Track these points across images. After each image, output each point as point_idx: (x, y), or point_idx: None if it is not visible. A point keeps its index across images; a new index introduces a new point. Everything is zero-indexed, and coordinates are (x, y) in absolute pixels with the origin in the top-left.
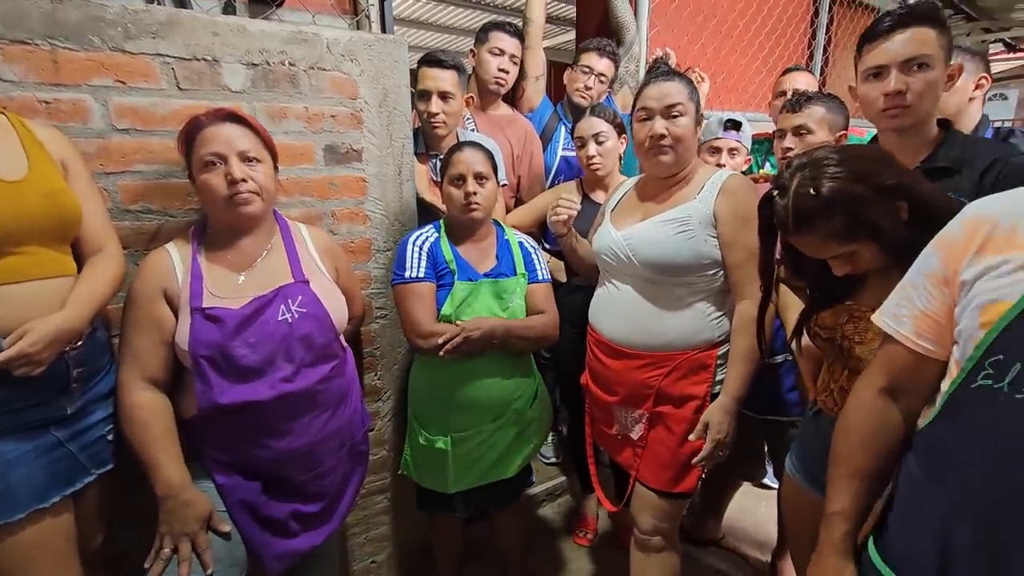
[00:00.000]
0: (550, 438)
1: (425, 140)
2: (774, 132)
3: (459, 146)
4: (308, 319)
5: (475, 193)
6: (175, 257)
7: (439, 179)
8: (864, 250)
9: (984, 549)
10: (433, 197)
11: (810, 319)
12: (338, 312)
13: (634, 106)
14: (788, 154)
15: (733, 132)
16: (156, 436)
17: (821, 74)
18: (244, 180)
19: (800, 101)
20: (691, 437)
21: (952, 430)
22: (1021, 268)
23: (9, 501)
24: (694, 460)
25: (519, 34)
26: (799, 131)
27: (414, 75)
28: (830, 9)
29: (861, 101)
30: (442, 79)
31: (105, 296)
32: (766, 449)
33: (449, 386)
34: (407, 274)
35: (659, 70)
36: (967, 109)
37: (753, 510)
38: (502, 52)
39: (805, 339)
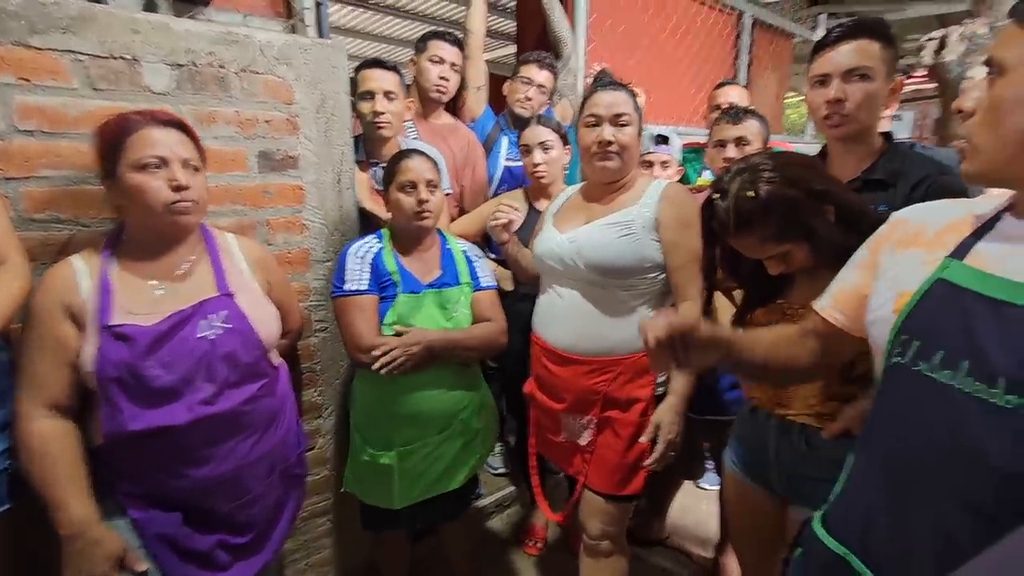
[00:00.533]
0: (497, 448)
1: (366, 147)
2: (711, 142)
3: (407, 153)
4: (232, 335)
5: (428, 200)
6: (79, 270)
7: (380, 187)
8: (797, 250)
9: (894, 509)
10: (374, 206)
11: (745, 318)
12: (268, 327)
13: (581, 112)
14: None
15: (663, 146)
16: (60, 470)
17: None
18: (187, 188)
19: (739, 114)
20: (643, 439)
21: (876, 406)
22: (923, 263)
23: None
24: (647, 462)
25: (459, 43)
26: (740, 142)
27: (352, 83)
28: (751, 32)
29: (809, 107)
30: (384, 79)
31: (6, 314)
32: (706, 448)
33: (393, 399)
34: (347, 286)
35: (604, 80)
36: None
37: (694, 508)
38: (442, 60)
39: None
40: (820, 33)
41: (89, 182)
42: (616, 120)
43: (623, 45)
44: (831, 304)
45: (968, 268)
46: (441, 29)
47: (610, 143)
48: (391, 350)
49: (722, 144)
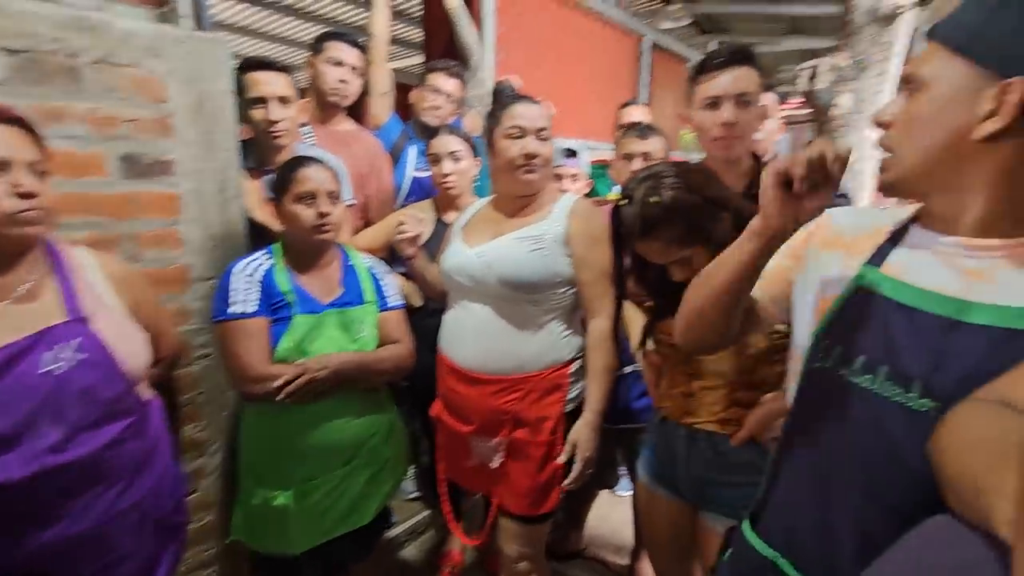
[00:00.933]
0: (410, 471)
1: (258, 153)
2: (619, 155)
3: (302, 161)
4: (89, 368)
5: (329, 213)
6: None
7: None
8: (699, 255)
9: (819, 510)
10: (267, 217)
11: (654, 327)
12: (134, 356)
13: (498, 123)
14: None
15: (571, 159)
16: None
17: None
18: (36, 195)
19: (646, 130)
20: (560, 459)
21: (799, 409)
22: (843, 267)
23: None
24: (565, 483)
25: (358, 45)
26: (646, 156)
27: (238, 85)
28: (651, 55)
29: (697, 128)
30: (276, 83)
31: None
32: (619, 457)
33: (290, 432)
34: (232, 309)
35: (507, 92)
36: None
37: (609, 516)
38: (341, 63)
39: (648, 347)
40: None
41: None
42: (539, 134)
43: (531, 59)
44: (760, 288)
45: (883, 276)
46: (339, 30)
47: (535, 156)
48: (298, 376)
49: (629, 157)
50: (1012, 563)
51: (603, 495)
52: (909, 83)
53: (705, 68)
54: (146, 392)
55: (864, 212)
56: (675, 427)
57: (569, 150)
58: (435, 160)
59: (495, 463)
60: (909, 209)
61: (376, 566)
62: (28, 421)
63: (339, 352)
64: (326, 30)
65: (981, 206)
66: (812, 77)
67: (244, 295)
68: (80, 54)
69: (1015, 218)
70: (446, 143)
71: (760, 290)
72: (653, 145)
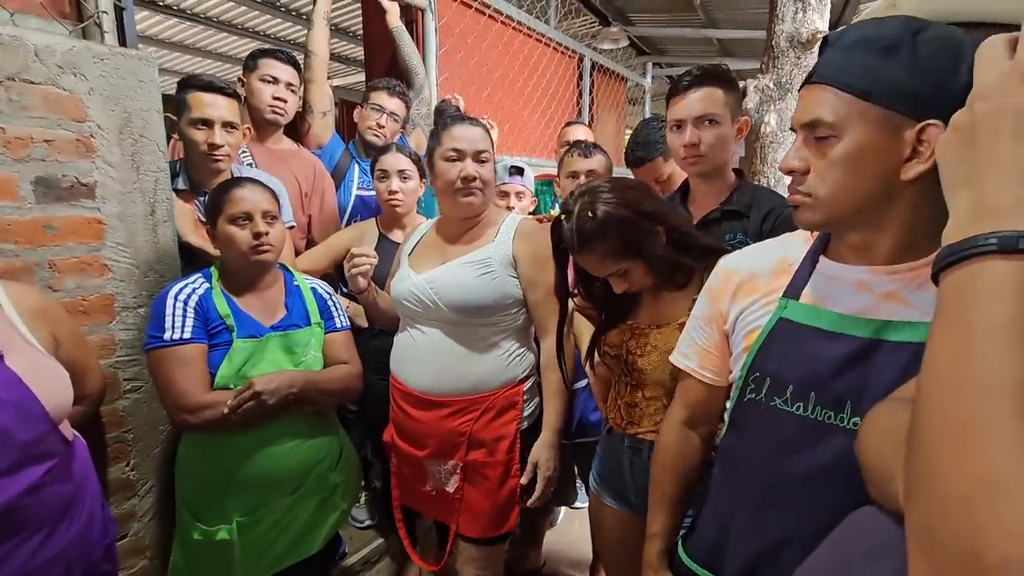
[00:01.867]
0: (363, 497)
1: (190, 174)
2: (563, 173)
3: (236, 182)
4: (3, 408)
5: (266, 233)
6: None
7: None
8: (635, 268)
9: (754, 530)
10: (201, 241)
11: (599, 340)
12: (55, 394)
13: (437, 144)
14: None
15: (518, 177)
16: None
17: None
18: None
19: (590, 148)
20: (523, 480)
21: (736, 437)
22: (764, 305)
23: None
24: (529, 502)
25: (293, 62)
26: (591, 173)
27: (172, 102)
28: (591, 75)
29: (670, 148)
30: (224, 108)
31: None
32: (576, 471)
33: (231, 462)
34: (167, 335)
35: (450, 112)
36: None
37: (567, 530)
38: (276, 80)
39: (596, 360)
40: (648, 79)
41: None
42: (478, 156)
43: (475, 78)
44: (699, 364)
45: (802, 306)
46: (273, 47)
47: (474, 179)
48: (244, 395)
49: (575, 175)
50: (906, 533)
51: (561, 510)
52: (814, 128)
53: (671, 92)
54: (69, 432)
55: (758, 250)
56: (620, 438)
57: (515, 167)
58: (383, 177)
59: (451, 487)
60: (799, 240)
61: None
62: None
63: (287, 371)
64: (259, 47)
65: (893, 237)
66: (741, 97)
67: (179, 321)
68: None
69: (917, 245)
70: (396, 161)
71: (704, 369)
72: (597, 163)
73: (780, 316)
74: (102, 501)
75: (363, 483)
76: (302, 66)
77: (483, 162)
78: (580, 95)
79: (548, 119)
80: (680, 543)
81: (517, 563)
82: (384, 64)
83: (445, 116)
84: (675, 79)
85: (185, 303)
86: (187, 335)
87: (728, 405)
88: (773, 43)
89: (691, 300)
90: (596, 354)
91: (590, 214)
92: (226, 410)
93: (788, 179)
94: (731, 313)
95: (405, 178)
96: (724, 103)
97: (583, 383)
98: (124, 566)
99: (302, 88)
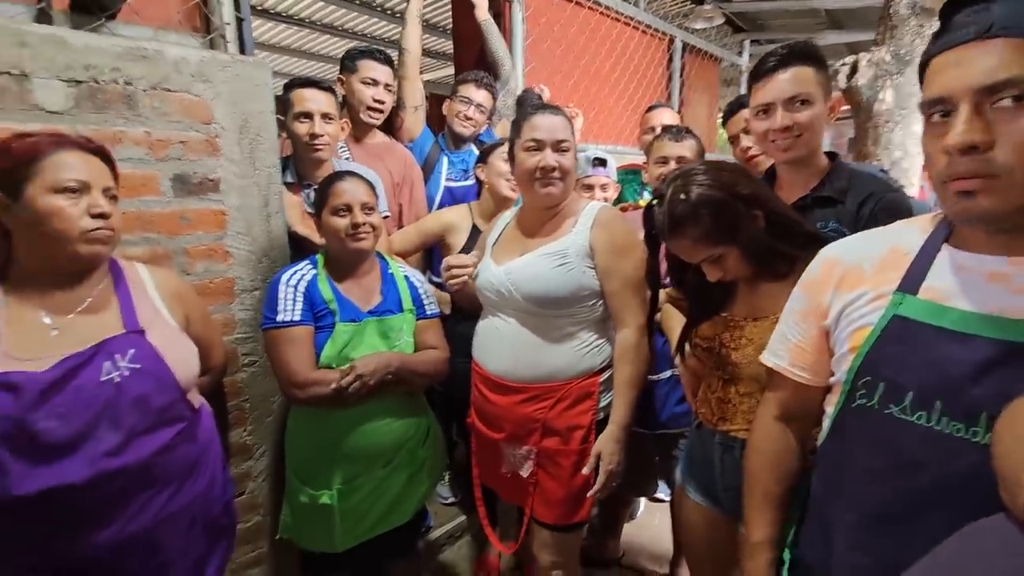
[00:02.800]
0: (447, 476)
1: (298, 169)
2: (652, 159)
3: (339, 175)
4: (143, 377)
5: (364, 223)
6: None
7: (313, 211)
8: (730, 254)
9: (861, 550)
10: (307, 230)
11: (691, 332)
12: (186, 366)
13: (516, 134)
14: None
15: (601, 168)
16: None
17: (678, 112)
18: (108, 216)
19: (681, 133)
20: (584, 470)
21: (840, 446)
22: (875, 299)
23: None
24: (589, 493)
25: (389, 61)
26: (681, 160)
27: (282, 102)
28: (682, 56)
29: (754, 135)
30: (322, 101)
31: None
32: (657, 463)
33: (333, 435)
34: (279, 317)
35: (532, 101)
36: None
37: (648, 524)
38: (376, 82)
39: (686, 352)
40: (746, 58)
41: None
42: (558, 145)
43: (560, 67)
44: (790, 363)
45: (921, 302)
46: (370, 47)
47: (553, 168)
48: (351, 375)
49: (664, 161)
50: None
51: (642, 502)
52: (1000, 90)
53: (755, 75)
54: (197, 399)
55: (863, 239)
56: (710, 434)
57: (599, 158)
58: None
59: (525, 471)
60: (914, 228)
61: (415, 568)
62: (89, 428)
63: (385, 352)
64: (355, 47)
65: None
66: (852, 73)
67: (290, 304)
68: (136, 82)
69: None
70: (503, 151)
71: (796, 368)
72: (688, 148)
73: (895, 313)
74: (223, 463)
75: (447, 462)
76: (396, 63)
77: (563, 151)
78: (670, 78)
79: (636, 105)
80: (787, 555)
81: (595, 552)
82: (472, 57)
83: (526, 106)
84: (759, 60)
85: (295, 288)
86: (297, 317)
87: (830, 410)
88: (891, 11)
89: None
90: (686, 346)
91: (683, 196)
92: (332, 389)
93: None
94: (833, 308)
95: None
96: (816, 82)
97: (667, 373)
98: (241, 520)
99: (397, 85)
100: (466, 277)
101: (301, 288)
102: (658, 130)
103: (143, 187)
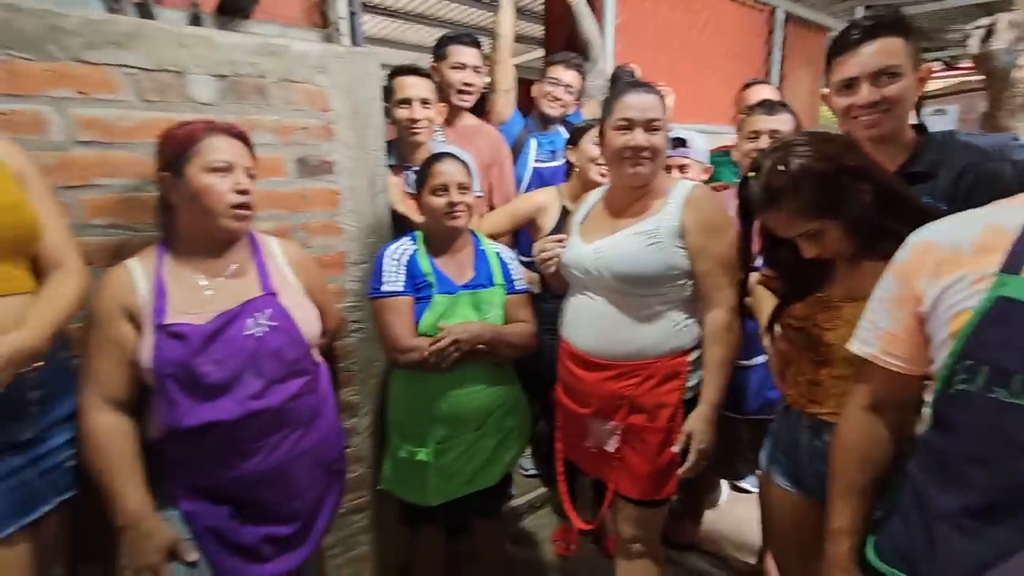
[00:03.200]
0: (529, 449)
1: (398, 151)
2: (744, 133)
3: (438, 157)
4: (278, 333)
5: (459, 202)
6: (136, 273)
7: (412, 191)
8: (830, 229)
9: (972, 539)
10: (407, 209)
11: (783, 311)
12: (309, 326)
13: (609, 113)
14: None
15: (680, 149)
16: (117, 462)
17: (777, 89)
18: (248, 193)
19: (774, 106)
20: (674, 448)
21: (942, 433)
22: (975, 282)
23: None
24: (679, 471)
25: (476, 43)
26: (774, 134)
27: (386, 90)
28: (784, 28)
29: (835, 111)
30: (420, 86)
31: (65, 314)
32: (746, 450)
33: (430, 398)
34: (384, 287)
35: (625, 80)
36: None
37: (731, 512)
38: (464, 66)
39: (776, 333)
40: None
41: (141, 189)
42: (649, 125)
43: (651, 45)
44: (882, 351)
45: None
46: (459, 33)
47: (644, 148)
48: (443, 340)
49: (755, 136)
50: None
51: (728, 491)
52: None
53: (838, 47)
54: (317, 357)
55: (957, 220)
56: (799, 416)
57: (676, 138)
58: (629, 125)
59: (611, 447)
60: (1016, 205)
61: (498, 531)
62: (238, 373)
63: (477, 322)
64: (446, 34)
65: None
66: (987, 36)
67: (393, 276)
68: (268, 75)
69: None
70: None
71: (888, 356)
72: (782, 122)
73: (998, 295)
74: (337, 415)
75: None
76: (489, 47)
77: (654, 131)
78: (769, 52)
79: (731, 82)
80: (869, 543)
81: (674, 533)
82: (562, 38)
83: (619, 84)
84: (840, 33)
85: (398, 261)
86: (399, 288)
87: (929, 398)
88: None
89: None
90: (776, 327)
91: (781, 167)
92: (429, 351)
93: None
94: (928, 294)
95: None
96: (905, 53)
97: (760, 358)
98: (348, 471)
99: (488, 67)
100: (558, 259)
101: (403, 261)
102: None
103: (272, 169)
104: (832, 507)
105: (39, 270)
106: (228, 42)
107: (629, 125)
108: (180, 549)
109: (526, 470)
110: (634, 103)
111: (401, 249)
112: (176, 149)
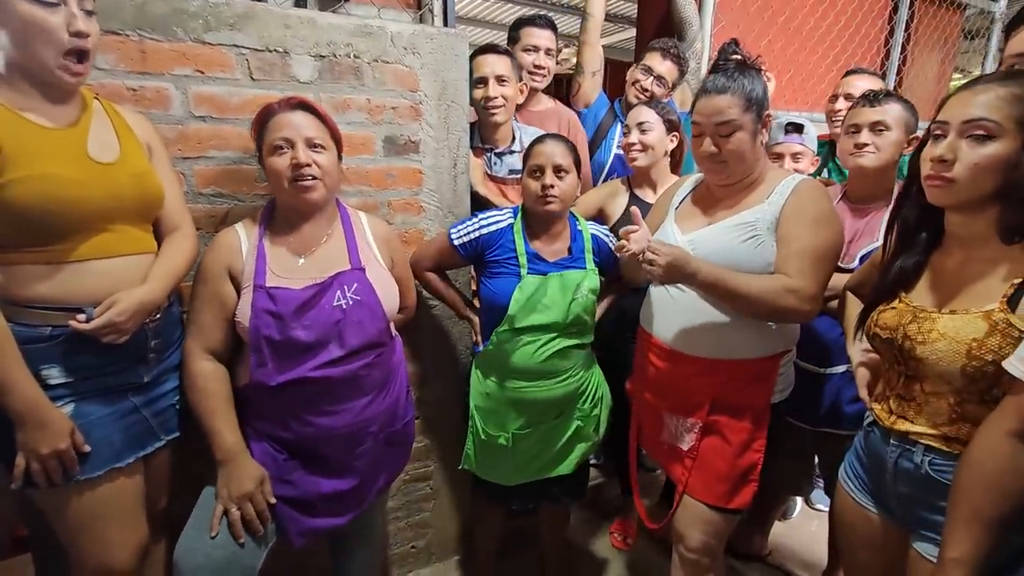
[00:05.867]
0: None
1: (480, 133)
2: (844, 128)
3: (541, 138)
4: (361, 307)
5: (552, 186)
6: (242, 237)
7: (493, 173)
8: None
9: None
10: (487, 191)
11: (868, 317)
12: (390, 301)
13: (692, 110)
14: (864, 149)
15: (796, 135)
16: (217, 404)
17: (898, 74)
18: (308, 165)
19: (878, 96)
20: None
21: None
22: None
23: (92, 458)
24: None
25: (551, 25)
26: (876, 127)
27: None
28: (911, 5)
29: None
30: (496, 64)
31: (181, 273)
32: (817, 465)
33: (511, 388)
34: (453, 232)
35: (725, 65)
36: None
37: (801, 528)
38: (536, 48)
39: (864, 346)
40: (1003, 3)
41: (245, 162)
42: (718, 130)
43: (754, 24)
44: None
45: None
46: (534, 15)
47: (712, 155)
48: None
49: (856, 129)
50: None
51: (798, 504)
52: None
53: (1016, 21)
54: (393, 331)
55: None
56: (886, 434)
57: (792, 124)
58: (626, 131)
59: (686, 444)
60: None
61: (564, 519)
62: (324, 340)
63: (559, 311)
64: (521, 16)
65: None
66: None
67: (465, 233)
68: (363, 55)
69: None
70: (637, 114)
71: None
72: (887, 113)
73: None
74: (407, 388)
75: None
76: (579, 28)
77: (727, 135)
78: (891, 32)
79: (844, 65)
80: None
81: (741, 543)
82: (656, 18)
83: (720, 60)
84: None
85: (482, 227)
86: (460, 243)
87: None
88: None
89: (1010, 286)
90: (861, 334)
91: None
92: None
93: None
94: None
95: (644, 131)
96: None
97: (841, 367)
98: (415, 441)
99: (576, 49)
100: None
101: (488, 231)
102: (841, 98)
103: (362, 147)
104: (950, 534)
105: (158, 233)
106: (328, 23)
107: (699, 131)
108: (266, 488)
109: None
110: (702, 108)
111: (495, 219)
112: (256, 130)
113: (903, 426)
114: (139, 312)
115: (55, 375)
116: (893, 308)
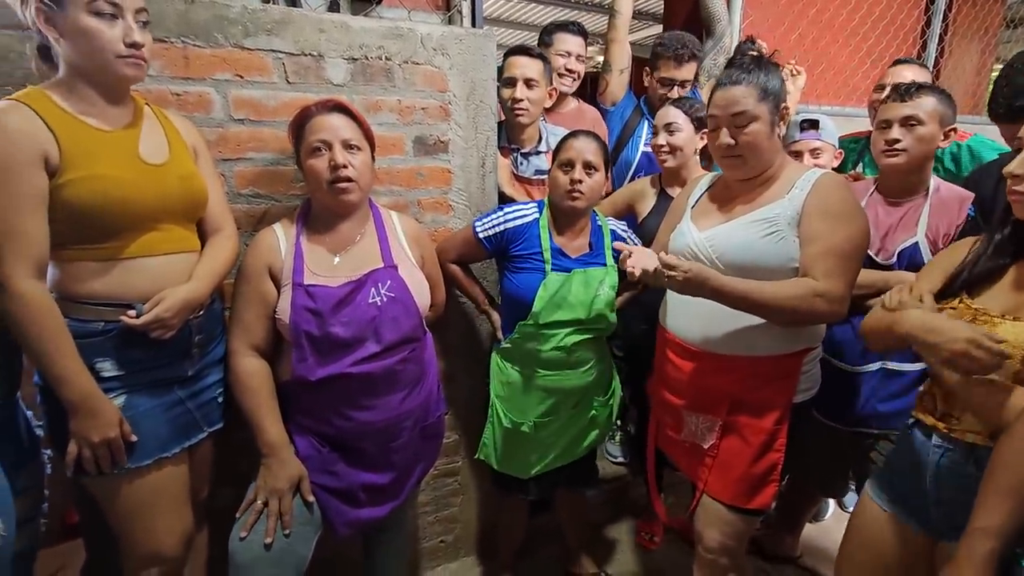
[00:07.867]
0: (618, 437)
1: (507, 133)
2: (876, 123)
3: (575, 133)
4: (395, 303)
5: (580, 181)
6: (280, 236)
7: (520, 173)
8: None
9: None
10: (513, 191)
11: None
12: (422, 298)
13: (707, 105)
14: (895, 146)
15: (812, 132)
16: (261, 400)
17: (935, 66)
18: (345, 166)
19: (910, 90)
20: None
21: None
22: None
23: (140, 448)
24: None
25: (583, 32)
26: (908, 121)
27: (498, 71)
28: None
29: None
30: (527, 66)
31: (224, 272)
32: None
33: (535, 376)
34: (478, 225)
35: (742, 61)
36: None
37: (834, 530)
38: (568, 53)
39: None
40: None
41: (282, 163)
42: (734, 121)
43: (784, 18)
44: None
45: None
46: (566, 21)
47: (729, 147)
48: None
49: (886, 125)
50: None
51: (834, 509)
52: None
53: None
54: (424, 327)
55: None
56: (927, 434)
57: (808, 121)
58: (655, 132)
59: (706, 442)
60: None
61: (581, 506)
62: (361, 336)
63: (581, 306)
64: (553, 21)
65: None
66: None
67: (491, 225)
68: (394, 57)
69: None
70: (665, 115)
71: None
72: (920, 107)
73: None
74: (439, 384)
75: (619, 422)
76: (606, 26)
77: (742, 126)
78: (928, 23)
79: (877, 59)
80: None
81: (771, 544)
82: (684, 12)
83: (721, 75)
84: None
85: (507, 220)
86: (484, 235)
87: None
88: None
89: None
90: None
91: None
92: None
93: None
94: None
95: (672, 131)
96: None
97: (874, 366)
98: (445, 436)
99: (603, 46)
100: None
101: (514, 225)
102: (888, 89)
103: (392, 147)
104: (982, 505)
105: (201, 233)
106: (360, 26)
107: (716, 124)
108: (304, 486)
109: (614, 458)
110: (718, 100)
111: (521, 212)
112: (294, 132)
113: (948, 423)
114: (184, 309)
115: (108, 368)
116: (953, 308)
